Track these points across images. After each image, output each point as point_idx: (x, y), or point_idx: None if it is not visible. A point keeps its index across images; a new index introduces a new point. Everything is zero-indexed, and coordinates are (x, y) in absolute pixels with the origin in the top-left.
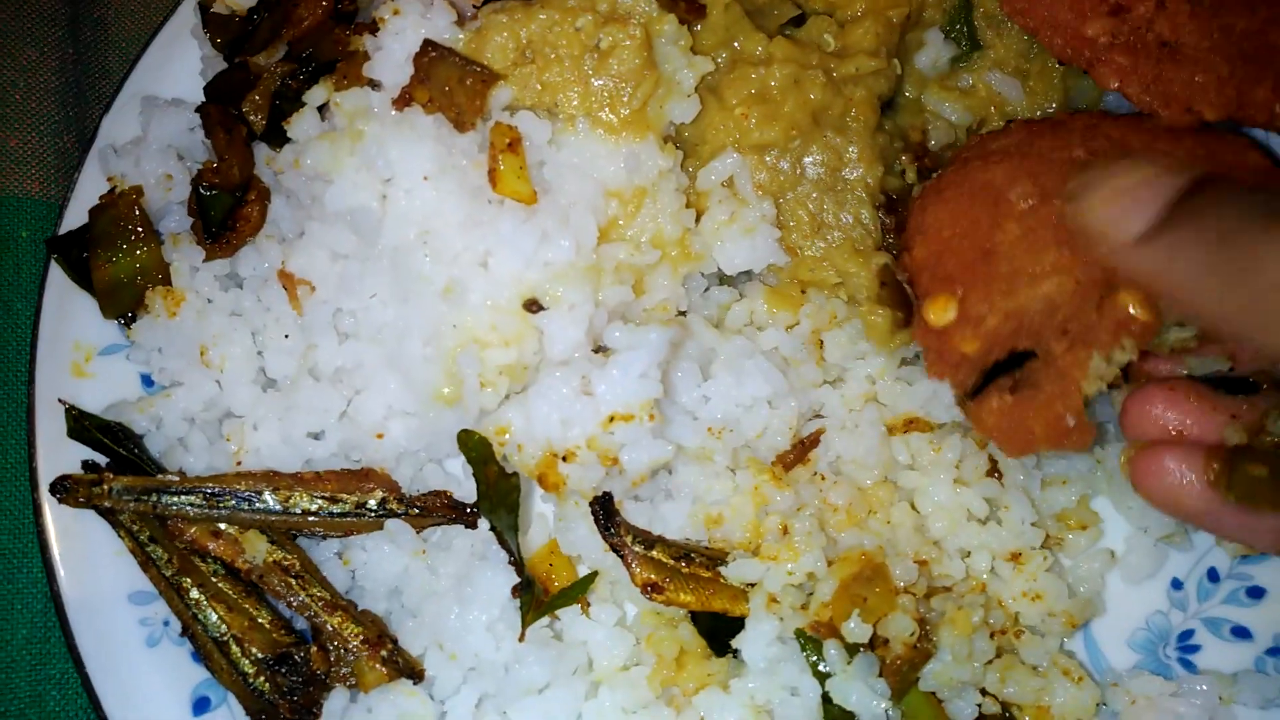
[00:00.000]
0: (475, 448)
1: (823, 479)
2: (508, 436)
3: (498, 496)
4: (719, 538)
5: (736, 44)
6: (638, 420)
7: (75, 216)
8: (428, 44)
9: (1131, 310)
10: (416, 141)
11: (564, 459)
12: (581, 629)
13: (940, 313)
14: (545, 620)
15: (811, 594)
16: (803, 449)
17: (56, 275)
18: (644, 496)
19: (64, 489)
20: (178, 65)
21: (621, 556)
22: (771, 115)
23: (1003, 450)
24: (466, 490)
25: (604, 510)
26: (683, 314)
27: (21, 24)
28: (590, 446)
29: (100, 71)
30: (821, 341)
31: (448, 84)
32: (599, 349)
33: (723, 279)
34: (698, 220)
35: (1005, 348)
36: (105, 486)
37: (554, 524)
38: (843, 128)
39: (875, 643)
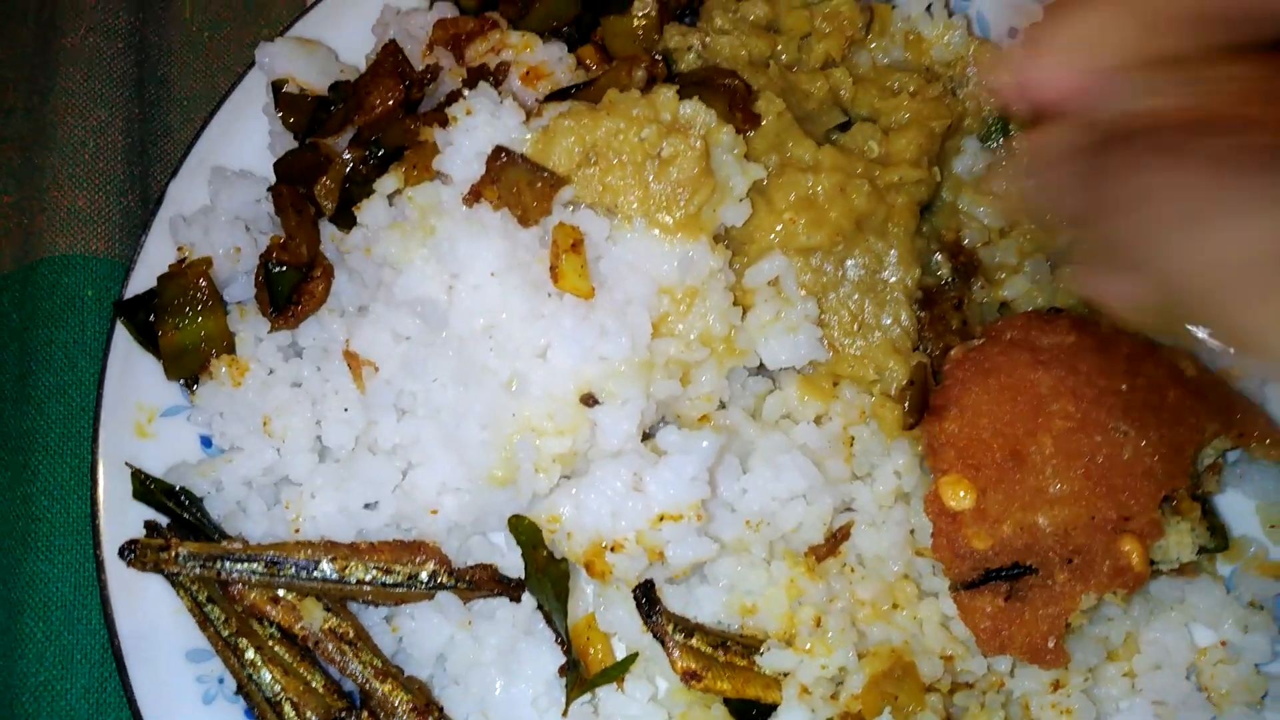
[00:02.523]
0: (525, 532)
1: (851, 571)
2: (559, 525)
3: (547, 579)
4: (752, 626)
5: (787, 150)
6: (686, 520)
7: (142, 279)
8: (499, 150)
9: (1132, 561)
10: (484, 238)
11: (611, 549)
12: (616, 704)
13: (957, 497)
14: (586, 698)
15: (841, 684)
16: (834, 542)
17: (122, 337)
18: (679, 580)
19: (132, 553)
20: (245, 136)
21: (662, 643)
22: (818, 221)
23: (978, 645)
24: (509, 561)
25: (647, 598)
26: (723, 405)
27: (93, 85)
28: (639, 541)
29: (163, 129)
30: (851, 439)
31: (516, 185)
32: (646, 437)
33: (759, 369)
34: (743, 316)
35: (1012, 557)
36: (172, 552)
37: (593, 601)
38: (884, 232)
39: None
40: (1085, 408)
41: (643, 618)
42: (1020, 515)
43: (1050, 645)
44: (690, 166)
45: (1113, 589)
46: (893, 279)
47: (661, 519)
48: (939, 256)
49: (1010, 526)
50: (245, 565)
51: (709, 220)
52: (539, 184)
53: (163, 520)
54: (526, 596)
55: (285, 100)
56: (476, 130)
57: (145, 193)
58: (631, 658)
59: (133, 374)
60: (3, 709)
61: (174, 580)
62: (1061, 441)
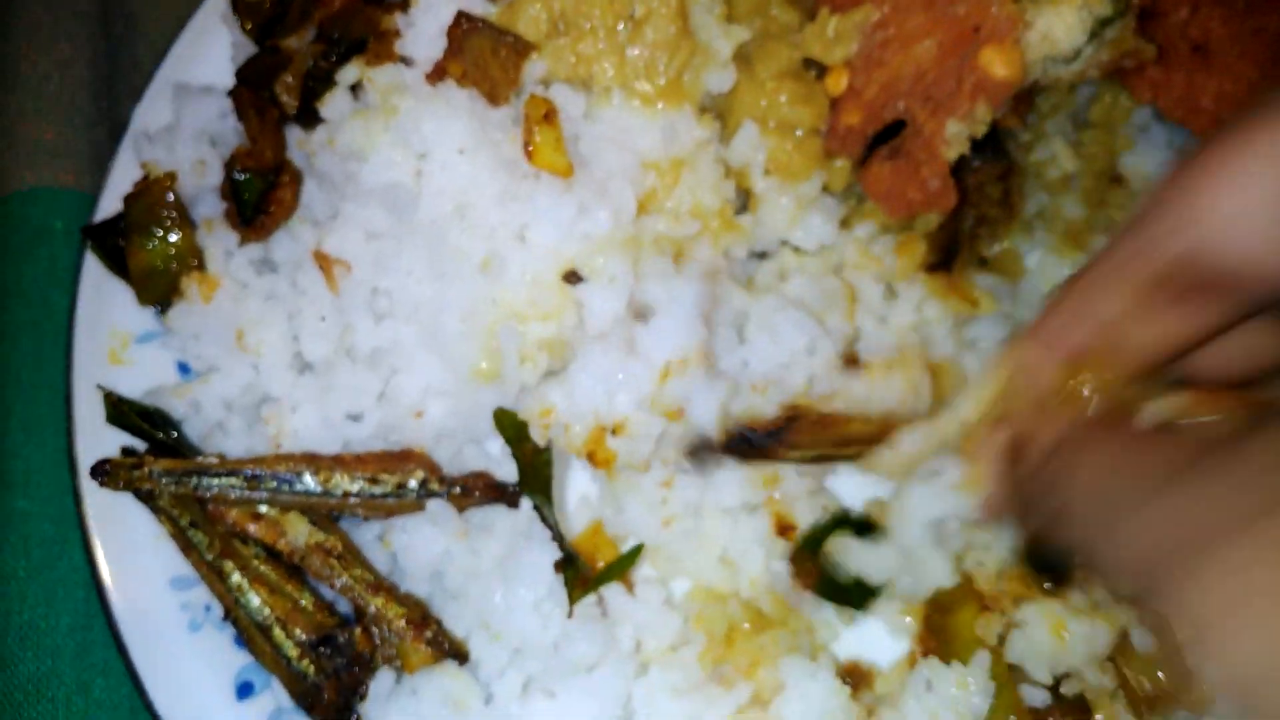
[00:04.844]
0: (510, 426)
1: None
2: (552, 417)
3: (533, 471)
4: None
5: (771, 13)
6: (692, 366)
7: (110, 205)
8: (461, 15)
9: (992, 70)
10: (450, 116)
11: (613, 432)
12: (627, 609)
13: (835, 83)
14: (593, 600)
15: None
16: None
17: (92, 264)
18: (689, 468)
19: (104, 472)
20: (208, 53)
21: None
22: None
23: (885, 212)
24: (506, 471)
25: (742, 439)
26: None
27: (56, 19)
28: (652, 407)
29: (131, 64)
30: (853, 291)
31: (481, 56)
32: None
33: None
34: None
35: (881, 119)
36: (145, 469)
37: (599, 505)
38: None
39: None
40: None
41: (752, 459)
42: (877, 75)
43: (936, 186)
44: (665, 26)
45: (975, 106)
46: None
47: (667, 374)
48: None
49: (872, 89)
50: (223, 480)
51: (691, 86)
52: (504, 51)
53: (142, 446)
54: (526, 503)
55: (243, 5)
56: (438, 7)
57: (114, 126)
58: (636, 550)
59: (105, 301)
60: None
61: (154, 505)
62: None
